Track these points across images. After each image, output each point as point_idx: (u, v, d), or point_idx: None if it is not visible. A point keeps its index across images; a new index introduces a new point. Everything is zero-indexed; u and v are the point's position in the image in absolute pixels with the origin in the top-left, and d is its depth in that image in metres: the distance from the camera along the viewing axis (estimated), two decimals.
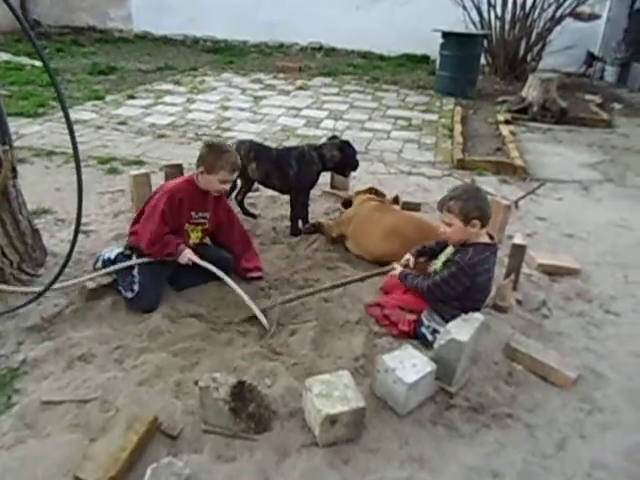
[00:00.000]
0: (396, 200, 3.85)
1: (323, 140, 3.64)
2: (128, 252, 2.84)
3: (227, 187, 2.81)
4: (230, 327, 2.53)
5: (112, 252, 2.85)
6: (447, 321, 2.47)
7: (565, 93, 8.27)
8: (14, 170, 2.71)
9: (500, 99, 8.19)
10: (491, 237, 2.52)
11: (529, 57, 9.94)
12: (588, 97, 8.93)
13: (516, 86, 9.34)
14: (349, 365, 2.27)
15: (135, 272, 2.70)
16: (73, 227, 3.42)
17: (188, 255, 2.69)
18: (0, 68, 8.18)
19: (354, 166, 3.62)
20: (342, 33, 11.47)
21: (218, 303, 2.74)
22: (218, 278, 2.82)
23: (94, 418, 1.98)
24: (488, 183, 4.95)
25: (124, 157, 5.04)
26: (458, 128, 6.53)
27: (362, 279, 2.82)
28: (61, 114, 6.54)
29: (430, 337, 2.44)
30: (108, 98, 7.23)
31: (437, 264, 2.63)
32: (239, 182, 3.71)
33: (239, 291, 2.61)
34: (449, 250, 2.61)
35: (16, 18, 2.01)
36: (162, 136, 5.81)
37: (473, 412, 2.15)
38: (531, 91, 7.62)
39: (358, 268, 3.15)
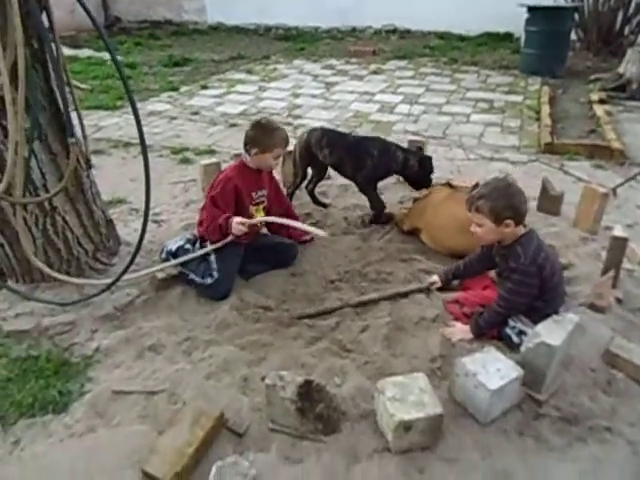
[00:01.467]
0: (476, 187, 3.57)
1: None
2: (188, 246, 2.84)
3: (279, 162, 2.80)
4: (299, 321, 2.42)
5: (174, 244, 2.85)
6: (535, 321, 2.23)
7: None
8: (88, 162, 2.75)
9: (593, 77, 7.51)
10: (524, 225, 2.27)
11: (627, 30, 9.03)
12: None
13: (611, 62, 8.54)
14: (425, 366, 2.09)
15: (212, 258, 2.70)
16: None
17: (237, 221, 2.62)
18: (83, 63, 8.59)
19: (426, 184, 3.43)
20: (417, 14, 11.01)
21: (287, 296, 2.65)
22: (287, 266, 2.85)
23: (162, 410, 1.95)
24: (580, 169, 4.52)
25: (196, 147, 5.09)
26: (546, 109, 6.03)
27: (403, 294, 2.59)
28: (138, 105, 6.71)
29: (516, 339, 2.21)
30: (182, 89, 7.38)
31: (495, 273, 2.43)
32: (310, 171, 3.60)
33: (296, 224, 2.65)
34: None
35: (88, 16, 2.02)
36: (234, 125, 5.82)
37: (565, 423, 1.91)
38: (629, 66, 6.91)
39: (434, 260, 2.95)
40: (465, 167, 4.49)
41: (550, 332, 1.92)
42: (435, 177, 3.51)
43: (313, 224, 3.42)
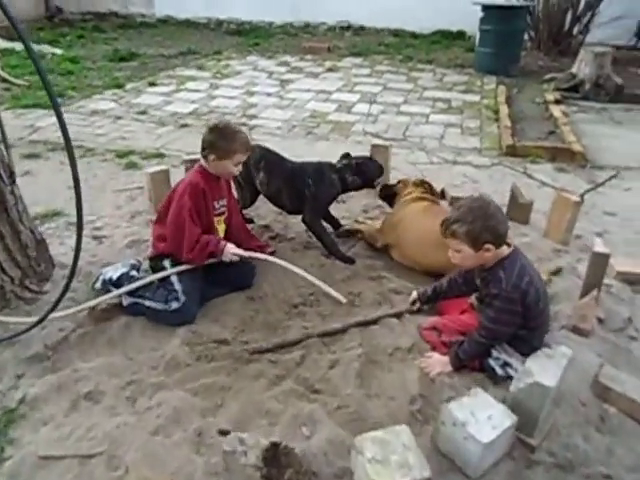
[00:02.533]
0: (442, 195, 3.39)
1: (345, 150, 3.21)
2: (134, 272, 2.54)
3: (240, 169, 2.54)
4: (260, 356, 2.15)
5: (115, 272, 2.53)
6: (521, 352, 2.05)
7: (616, 68, 7.53)
8: (12, 174, 2.37)
9: (548, 76, 7.54)
10: (507, 244, 2.08)
11: (575, 30, 9.18)
12: None
13: (562, 62, 8.65)
14: (404, 410, 1.87)
15: (174, 280, 2.43)
16: (87, 232, 3.16)
17: (232, 250, 2.44)
18: (20, 57, 7.93)
19: (379, 176, 3.17)
20: (371, 10, 10.86)
21: (246, 325, 2.37)
22: (244, 288, 2.60)
23: (100, 478, 1.64)
24: (543, 172, 4.44)
25: (144, 150, 4.70)
26: (504, 110, 5.97)
27: (375, 321, 2.36)
28: (79, 104, 6.32)
29: (500, 371, 2.02)
30: (128, 86, 6.91)
31: (475, 298, 2.25)
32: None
33: (300, 271, 2.43)
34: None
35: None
36: (184, 125, 5.45)
37: (560, 470, 1.73)
38: (583, 67, 6.96)
39: (404, 278, 2.74)
40: (428, 171, 4.32)
41: (543, 369, 1.74)
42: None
43: (272, 238, 3.15)
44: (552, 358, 1.80)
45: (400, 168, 4.30)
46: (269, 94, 6.73)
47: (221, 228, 2.61)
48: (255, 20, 11.94)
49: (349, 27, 11.61)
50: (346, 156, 3.15)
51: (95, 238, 3.07)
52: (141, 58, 8.74)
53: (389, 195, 3.21)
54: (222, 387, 1.97)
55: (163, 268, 2.47)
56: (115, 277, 2.48)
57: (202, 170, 2.50)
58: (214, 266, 2.51)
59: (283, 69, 8.12)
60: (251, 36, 10.97)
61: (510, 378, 2.00)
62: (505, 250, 2.04)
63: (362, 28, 11.53)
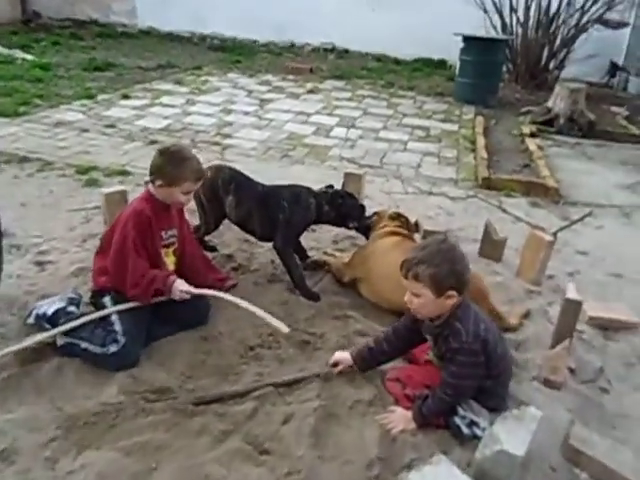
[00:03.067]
0: (417, 227, 3.26)
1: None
2: (72, 308, 2.32)
3: (190, 199, 2.34)
4: (206, 407, 1.94)
5: (50, 306, 2.30)
6: (487, 406, 1.91)
7: (589, 104, 7.64)
8: None
9: (524, 109, 7.59)
10: None
11: (551, 65, 9.34)
12: (614, 109, 8.34)
13: (538, 95, 8.77)
14: (360, 476, 1.69)
15: (114, 319, 2.21)
16: (30, 257, 2.90)
17: (180, 287, 2.22)
18: None
19: (356, 217, 2.95)
20: (356, 34, 10.88)
21: (194, 370, 2.15)
22: (197, 326, 2.41)
23: None
24: (517, 206, 4.37)
25: (107, 166, 4.48)
26: (481, 141, 5.94)
27: (300, 380, 2.12)
28: (43, 113, 6.06)
29: (466, 430, 1.87)
30: (100, 97, 6.69)
31: (431, 354, 2.09)
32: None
33: (246, 305, 2.22)
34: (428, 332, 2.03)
35: None
36: (154, 142, 5.24)
37: None
38: (558, 102, 7.02)
39: (371, 318, 2.58)
40: (403, 202, 4.21)
41: (511, 435, 1.59)
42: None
43: (235, 269, 2.97)
44: (521, 421, 1.65)
45: (374, 197, 4.18)
46: (247, 113, 6.59)
47: (170, 260, 2.41)
48: (240, 37, 11.87)
49: (333, 49, 11.63)
50: (330, 187, 3.02)
51: (38, 264, 2.83)
52: (117, 69, 8.53)
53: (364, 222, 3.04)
54: (159, 446, 1.75)
55: (103, 306, 2.25)
56: (50, 312, 2.25)
57: (149, 196, 2.31)
58: (165, 301, 2.32)
59: (264, 88, 8.01)
60: (234, 53, 10.87)
61: (477, 437, 1.85)
62: (456, 297, 1.90)
63: (346, 51, 11.56)
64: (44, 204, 3.75)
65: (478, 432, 1.85)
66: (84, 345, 2.16)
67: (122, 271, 2.20)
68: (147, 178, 3.35)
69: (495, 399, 1.95)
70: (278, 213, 2.77)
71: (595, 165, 5.68)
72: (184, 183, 2.22)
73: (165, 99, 6.89)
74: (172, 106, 6.59)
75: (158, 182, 2.24)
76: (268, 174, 2.89)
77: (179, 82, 7.93)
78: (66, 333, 2.18)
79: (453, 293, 1.86)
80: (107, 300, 2.26)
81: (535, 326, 2.59)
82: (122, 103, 6.56)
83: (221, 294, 2.32)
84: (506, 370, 2.03)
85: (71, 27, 11.89)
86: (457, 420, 1.88)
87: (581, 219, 3.80)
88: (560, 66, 9.33)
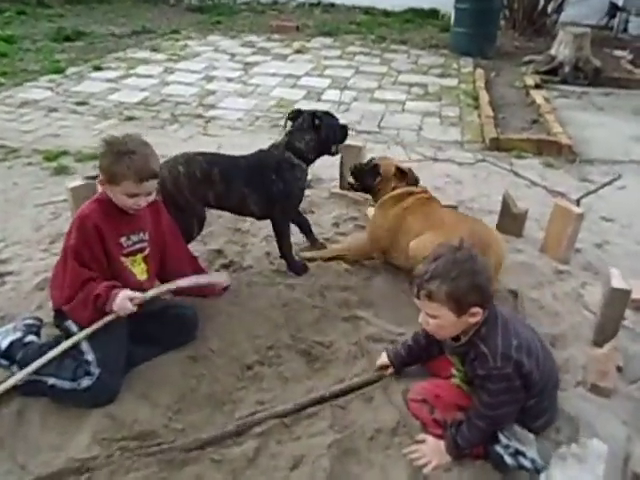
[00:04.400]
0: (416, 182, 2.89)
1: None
2: (31, 337, 1.97)
3: (142, 203, 1.91)
4: (201, 451, 1.62)
5: (4, 338, 1.94)
6: (533, 430, 1.61)
7: (592, 49, 7.17)
8: None
9: (526, 59, 7.10)
10: None
11: (549, 8, 8.75)
12: (617, 53, 7.85)
13: (537, 42, 8.28)
14: None
15: (85, 348, 1.86)
16: None
17: (125, 295, 1.83)
18: None
19: (340, 138, 2.62)
20: None
21: (184, 401, 1.82)
22: (185, 342, 2.08)
23: None
24: (530, 168, 4.01)
25: (79, 150, 4.06)
26: (484, 96, 5.51)
27: (345, 392, 1.85)
28: (7, 93, 5.53)
29: (510, 460, 1.56)
30: (69, 71, 6.16)
31: (456, 376, 1.76)
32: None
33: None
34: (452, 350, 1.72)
35: None
36: (130, 118, 4.80)
37: None
38: (562, 49, 6.55)
39: (386, 318, 2.25)
40: None
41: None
42: None
43: (225, 266, 2.62)
44: (584, 463, 1.35)
45: None
46: (230, 79, 6.10)
47: (140, 269, 2.03)
48: None
49: (319, 4, 10.98)
50: (296, 113, 2.61)
51: None
52: (88, 38, 7.94)
53: (367, 182, 2.69)
54: None
55: (67, 330, 1.91)
56: (4, 346, 1.91)
57: (102, 196, 1.93)
58: (144, 315, 1.97)
59: (247, 50, 7.46)
60: (214, 13, 10.20)
61: (523, 468, 1.56)
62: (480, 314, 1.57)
63: (332, 5, 10.91)
64: (7, 199, 3.37)
65: (525, 462, 1.55)
66: (51, 381, 1.82)
67: (64, 287, 1.86)
68: None
69: (542, 417, 1.65)
70: (271, 186, 2.42)
71: (606, 116, 5.28)
72: (122, 182, 1.82)
73: (141, 69, 6.37)
74: (149, 76, 6.09)
75: (99, 178, 1.89)
76: (257, 147, 2.52)
77: (156, 49, 7.37)
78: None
79: (477, 310, 1.53)
80: (70, 323, 1.90)
81: (571, 315, 2.26)
82: (94, 76, 6.05)
83: (165, 286, 2.02)
84: (551, 381, 1.70)
85: None
86: (499, 449, 1.57)
87: (609, 183, 3.43)
88: (559, 9, 8.75)
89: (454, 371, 1.73)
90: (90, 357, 1.83)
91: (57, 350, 1.82)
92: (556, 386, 1.74)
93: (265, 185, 2.42)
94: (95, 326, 1.84)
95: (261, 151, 2.56)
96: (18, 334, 1.94)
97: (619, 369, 2.01)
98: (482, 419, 1.57)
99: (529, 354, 1.56)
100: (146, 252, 2.04)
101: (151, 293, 1.94)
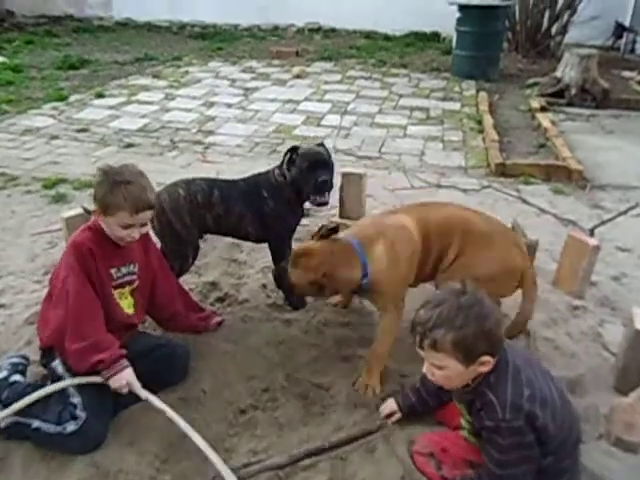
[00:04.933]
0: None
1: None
2: (17, 377, 1.88)
3: (135, 235, 1.84)
4: None
5: None
6: None
7: (599, 71, 7.14)
8: None
9: (531, 81, 7.05)
10: None
11: (554, 30, 8.75)
12: (625, 74, 7.80)
13: (541, 64, 8.25)
14: None
15: (70, 391, 1.78)
16: None
17: (127, 378, 1.75)
18: None
19: (313, 190, 2.26)
20: (342, 11, 10.31)
21: (173, 447, 1.71)
22: (175, 383, 1.99)
23: None
24: (539, 195, 3.90)
25: (77, 178, 4.00)
26: (488, 120, 5.43)
27: (345, 442, 1.72)
28: (11, 121, 5.56)
29: None
30: (72, 98, 6.17)
31: (464, 427, 1.63)
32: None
33: (196, 439, 1.64)
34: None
35: None
36: (130, 145, 4.76)
37: None
38: (568, 70, 6.49)
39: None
40: (409, 197, 3.73)
41: None
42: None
43: (220, 299, 2.51)
44: None
45: (377, 196, 3.71)
46: (230, 105, 6.08)
47: (127, 303, 1.95)
48: (220, 23, 11.29)
49: (319, 29, 11.05)
50: (293, 150, 2.35)
51: None
52: (93, 65, 8.01)
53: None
54: None
55: (53, 372, 1.81)
56: None
57: (94, 225, 1.87)
58: (131, 353, 1.87)
59: (247, 76, 7.48)
60: (215, 40, 10.31)
61: None
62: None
63: (333, 30, 10.98)
64: (4, 228, 3.32)
65: None
66: (36, 424, 1.73)
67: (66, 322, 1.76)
68: None
69: (561, 479, 1.51)
70: (262, 205, 2.32)
71: (617, 139, 5.18)
72: (118, 212, 1.75)
73: (142, 95, 6.37)
74: (150, 103, 6.08)
75: (93, 207, 1.82)
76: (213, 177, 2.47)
77: (157, 75, 7.40)
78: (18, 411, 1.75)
79: (487, 359, 1.41)
80: (57, 364, 1.82)
81: (589, 357, 2.13)
82: (96, 103, 6.05)
83: (164, 408, 1.74)
84: (571, 437, 1.53)
85: (46, 24, 11.29)
86: None
87: (626, 212, 3.31)
88: (563, 31, 8.74)
89: (463, 422, 1.60)
90: (76, 400, 1.75)
91: (41, 392, 1.72)
92: (577, 442, 1.58)
93: (258, 204, 2.34)
94: (84, 380, 1.75)
95: (259, 174, 2.48)
96: (4, 373, 1.87)
97: None
98: (493, 479, 1.43)
99: (543, 405, 1.43)
100: (135, 285, 1.96)
101: (151, 398, 1.78)
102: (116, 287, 1.91)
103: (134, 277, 1.97)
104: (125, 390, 1.74)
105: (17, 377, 1.88)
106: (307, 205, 2.44)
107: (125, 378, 1.73)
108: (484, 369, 1.43)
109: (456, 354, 1.39)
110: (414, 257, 1.98)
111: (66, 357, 1.79)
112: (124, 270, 1.93)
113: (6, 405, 1.75)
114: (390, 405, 1.80)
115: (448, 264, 2.04)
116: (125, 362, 1.76)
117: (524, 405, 1.40)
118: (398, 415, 1.78)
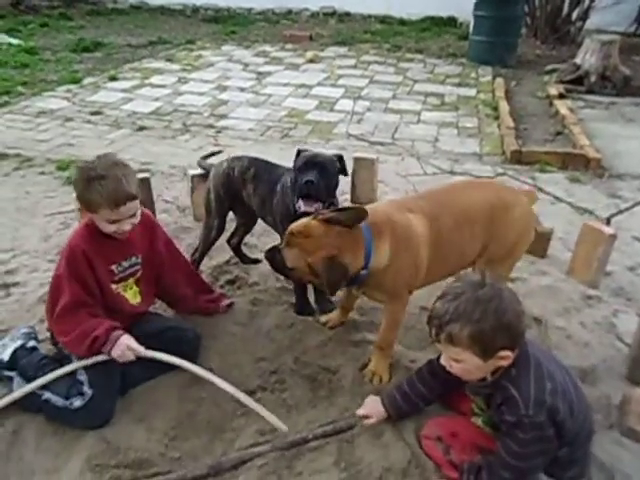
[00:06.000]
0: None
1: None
2: (32, 343, 1.93)
3: (125, 227, 1.81)
4: None
5: (4, 350, 1.90)
6: (565, 477, 1.46)
7: (621, 57, 6.96)
8: None
9: (549, 67, 6.92)
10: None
11: (574, 15, 8.55)
12: None
13: (561, 50, 8.07)
14: None
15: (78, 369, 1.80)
16: None
17: (126, 343, 1.74)
18: None
19: (299, 190, 2.05)
20: None
21: (181, 428, 1.73)
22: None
23: None
24: (555, 183, 3.84)
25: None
26: (504, 106, 5.34)
27: (352, 426, 1.70)
28: (26, 102, 5.59)
29: None
30: (86, 81, 6.18)
31: (478, 414, 1.61)
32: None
33: (222, 384, 1.69)
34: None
35: None
36: (142, 128, 4.76)
37: None
38: (587, 57, 6.34)
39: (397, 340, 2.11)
40: (422, 183, 3.69)
41: None
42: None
43: (230, 282, 2.51)
44: None
45: (389, 181, 3.68)
46: (243, 89, 6.04)
47: (132, 293, 1.96)
48: (233, 6, 11.20)
49: (334, 13, 10.92)
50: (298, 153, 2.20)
51: (3, 287, 2.42)
52: (106, 48, 8.00)
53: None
54: None
55: (62, 350, 1.85)
56: (7, 357, 1.85)
57: (91, 222, 1.84)
58: (141, 334, 1.88)
59: (260, 60, 7.42)
60: (229, 24, 10.24)
61: None
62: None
63: (347, 14, 10.84)
64: (19, 208, 3.35)
65: None
66: (46, 395, 1.77)
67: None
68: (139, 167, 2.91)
69: (573, 469, 1.49)
70: (273, 199, 2.26)
71: (637, 128, 5.07)
72: (99, 210, 1.73)
73: (155, 79, 6.35)
74: (162, 86, 6.06)
75: (79, 205, 1.82)
76: (267, 159, 2.43)
77: (170, 59, 7.37)
78: (26, 379, 1.81)
79: (506, 353, 1.38)
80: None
81: (603, 348, 2.11)
82: (109, 86, 6.05)
83: (189, 366, 1.77)
84: (585, 428, 1.52)
85: (60, 7, 11.28)
86: None
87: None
88: (584, 16, 8.53)
89: (475, 408, 1.59)
90: (82, 377, 1.78)
91: (51, 376, 1.75)
92: (590, 434, 1.56)
93: (272, 196, 2.27)
94: (92, 360, 1.76)
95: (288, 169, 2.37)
96: (19, 342, 1.91)
97: None
98: (508, 470, 1.42)
99: (563, 398, 1.41)
100: (138, 275, 1.96)
101: (156, 355, 1.79)
102: (118, 281, 1.91)
103: (137, 268, 1.97)
104: (130, 356, 1.74)
105: (33, 343, 1.93)
106: None
107: (123, 343, 1.73)
108: (504, 363, 1.40)
109: (473, 348, 1.36)
110: (417, 258, 1.83)
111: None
112: (125, 264, 1.92)
113: (21, 373, 1.81)
114: (370, 405, 1.75)
115: (480, 251, 1.95)
116: (120, 331, 1.76)
117: (547, 399, 1.38)
118: (373, 420, 1.70)
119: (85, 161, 1.80)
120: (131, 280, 1.95)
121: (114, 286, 1.88)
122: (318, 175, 2.00)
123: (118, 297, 1.89)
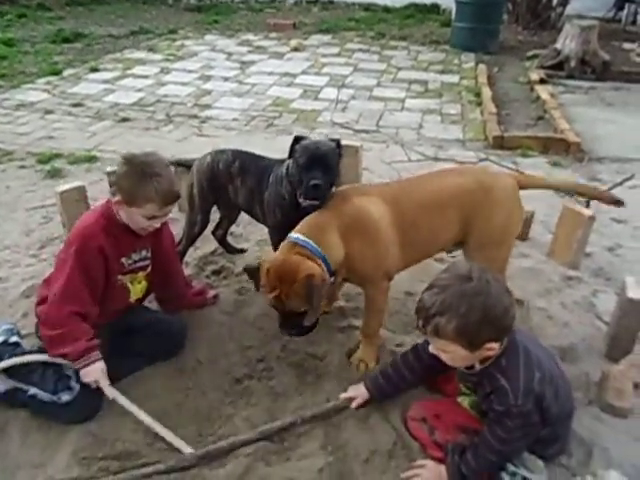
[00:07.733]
0: None
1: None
2: (15, 339, 1.91)
3: (157, 225, 1.82)
4: (181, 476, 1.53)
5: None
6: (546, 454, 1.50)
7: (600, 43, 7.00)
8: None
9: (530, 53, 6.96)
10: None
11: (555, 1, 8.59)
12: (626, 46, 7.69)
13: (542, 36, 8.13)
14: None
15: (65, 363, 1.78)
16: None
17: (94, 375, 1.72)
18: None
19: (305, 191, 1.91)
20: None
21: (169, 415, 1.73)
22: (173, 354, 1.99)
23: None
24: (536, 167, 3.87)
25: (72, 152, 3.97)
26: (487, 92, 5.37)
27: (338, 410, 1.72)
28: (4, 95, 5.48)
29: None
30: (66, 72, 6.08)
31: (465, 394, 1.65)
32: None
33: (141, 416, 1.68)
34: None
35: None
36: (125, 119, 4.71)
37: None
38: (567, 42, 6.39)
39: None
40: (406, 170, 3.71)
41: None
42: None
43: (216, 272, 2.52)
44: None
45: (373, 169, 3.69)
46: (226, 79, 6.01)
47: (138, 288, 1.96)
48: None
49: (317, 1, 10.85)
50: (296, 141, 2.04)
51: None
52: (87, 39, 7.87)
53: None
54: None
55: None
56: None
57: (107, 212, 1.82)
58: (129, 326, 1.89)
59: (244, 49, 7.37)
60: (211, 12, 10.13)
61: None
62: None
63: (331, 2, 10.79)
64: None
65: None
66: (32, 391, 1.76)
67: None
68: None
69: (554, 445, 1.54)
70: (263, 191, 2.19)
71: (616, 112, 5.13)
72: (146, 205, 1.72)
73: (137, 69, 6.28)
74: (145, 77, 6.00)
75: (117, 197, 1.77)
76: (252, 149, 2.40)
77: (152, 49, 7.29)
78: (10, 376, 1.79)
79: (492, 345, 1.40)
80: None
81: (582, 327, 2.15)
82: (91, 77, 5.97)
83: (132, 409, 1.71)
84: (565, 408, 1.57)
85: None
86: (506, 477, 1.47)
87: (621, 183, 3.29)
88: (564, 2, 8.59)
89: (463, 388, 1.62)
90: (70, 372, 1.76)
91: (34, 357, 1.76)
92: (571, 413, 1.61)
93: (262, 188, 2.23)
94: (59, 360, 1.76)
95: (282, 159, 2.27)
96: (0, 338, 1.89)
97: (636, 386, 1.89)
98: (492, 452, 1.45)
99: (550, 385, 1.45)
100: (148, 270, 1.96)
101: (113, 395, 1.74)
102: (126, 273, 1.89)
103: (147, 262, 1.96)
104: (94, 384, 1.72)
105: (15, 338, 1.91)
106: None
107: (92, 375, 1.71)
108: (491, 353, 1.43)
109: (459, 341, 1.38)
110: (379, 241, 1.81)
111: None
112: (135, 257, 1.91)
113: (8, 374, 1.78)
114: (354, 388, 1.77)
115: (461, 236, 1.94)
116: (93, 356, 1.71)
117: (535, 387, 1.41)
118: (359, 400, 1.73)
119: (133, 154, 1.77)
120: (141, 274, 1.94)
121: (120, 277, 1.87)
122: (323, 174, 1.90)
123: (120, 289, 1.88)
